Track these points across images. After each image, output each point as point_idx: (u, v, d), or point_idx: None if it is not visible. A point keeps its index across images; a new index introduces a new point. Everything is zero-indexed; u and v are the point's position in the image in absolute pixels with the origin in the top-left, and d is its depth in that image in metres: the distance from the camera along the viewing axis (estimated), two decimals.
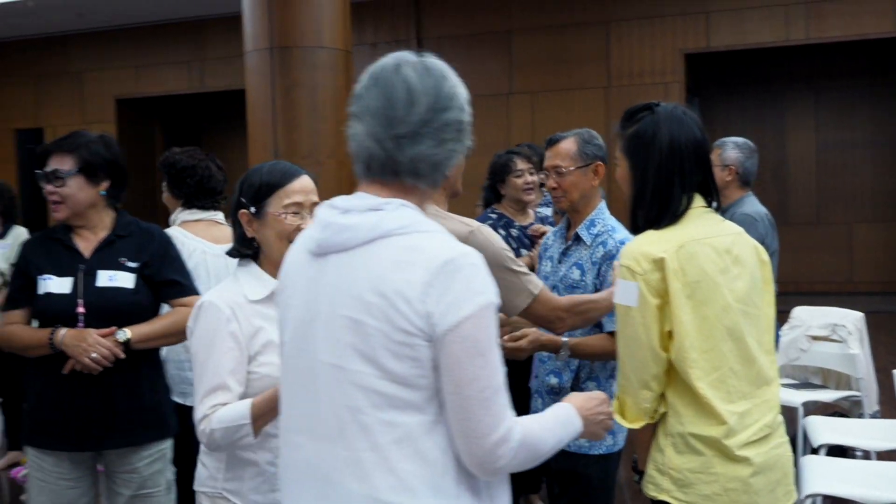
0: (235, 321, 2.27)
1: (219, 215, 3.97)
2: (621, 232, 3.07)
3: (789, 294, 13.67)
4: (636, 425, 2.24)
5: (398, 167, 1.65)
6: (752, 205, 4.41)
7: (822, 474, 3.58)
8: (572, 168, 3.08)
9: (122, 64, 15.19)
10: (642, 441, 2.29)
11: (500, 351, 1.62)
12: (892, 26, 11.62)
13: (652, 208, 2.25)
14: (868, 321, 11.12)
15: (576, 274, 3.09)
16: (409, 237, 1.60)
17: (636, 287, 2.16)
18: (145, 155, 15.95)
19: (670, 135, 2.23)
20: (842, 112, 13.78)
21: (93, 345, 2.74)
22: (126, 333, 2.81)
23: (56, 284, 2.87)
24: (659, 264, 2.16)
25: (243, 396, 2.24)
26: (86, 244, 2.94)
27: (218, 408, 2.20)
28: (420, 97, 1.64)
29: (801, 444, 4.59)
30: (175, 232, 3.81)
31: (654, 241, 2.21)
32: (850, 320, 5.08)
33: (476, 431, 1.56)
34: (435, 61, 1.70)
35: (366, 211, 1.62)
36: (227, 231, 3.77)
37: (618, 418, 2.21)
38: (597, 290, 3.00)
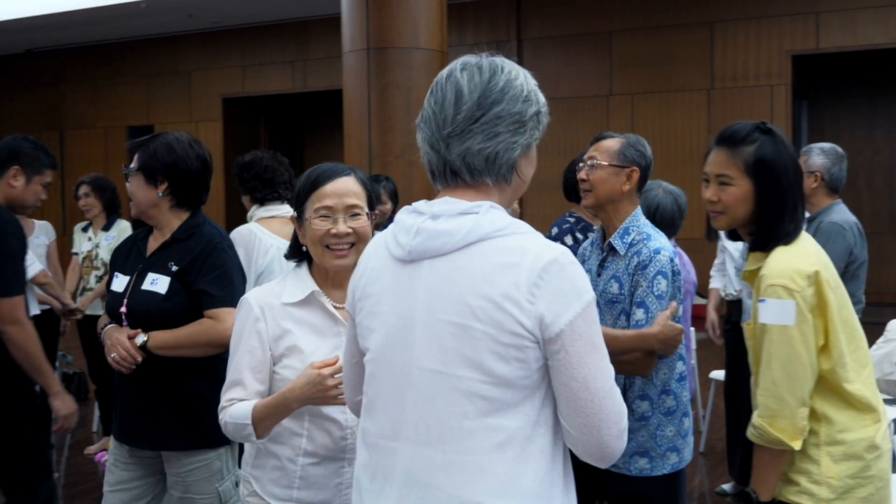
0: (263, 321, 2.29)
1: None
2: (657, 240, 2.90)
3: (891, 305, 13.18)
4: (798, 445, 2.25)
5: (452, 166, 1.66)
6: (841, 213, 4.26)
7: None
8: (605, 164, 2.94)
9: (229, 64, 15.58)
10: (781, 462, 2.29)
11: None
12: None
13: (789, 226, 2.29)
14: None
15: (614, 287, 2.91)
16: (508, 239, 1.60)
17: (794, 305, 2.18)
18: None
19: (791, 156, 2.30)
20: None
21: (114, 345, 2.80)
22: (143, 338, 2.80)
23: (119, 283, 2.94)
24: (813, 279, 2.21)
25: (267, 395, 2.27)
26: (153, 245, 2.98)
27: (234, 401, 2.25)
28: (467, 95, 1.65)
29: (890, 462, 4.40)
30: (252, 227, 3.91)
31: (798, 257, 2.25)
32: None
33: (607, 423, 1.58)
34: (494, 59, 1.71)
35: (457, 215, 1.62)
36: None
37: (778, 439, 2.24)
38: (632, 304, 2.86)
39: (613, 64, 12.96)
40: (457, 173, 1.66)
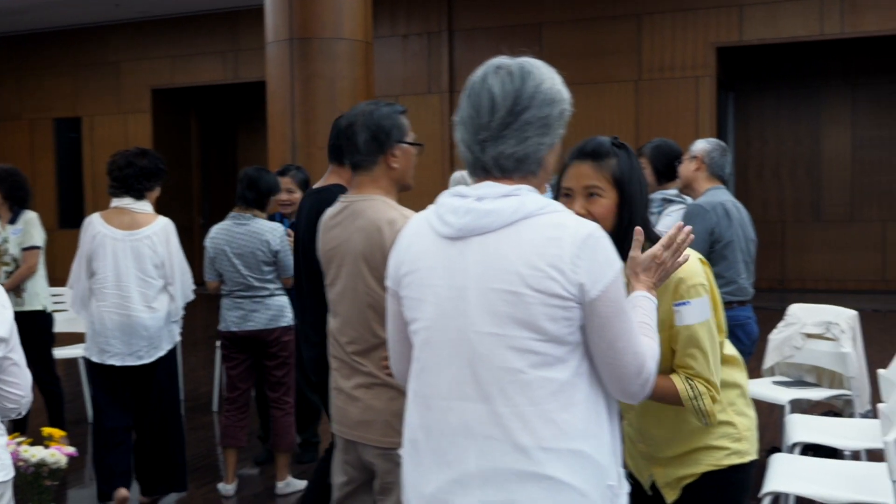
0: None
1: (129, 202, 4.57)
2: None
3: (821, 291, 13.50)
4: (715, 420, 2.35)
5: (485, 165, 1.89)
6: (712, 196, 4.36)
7: (785, 473, 3.54)
8: None
9: (158, 54, 15.40)
10: None
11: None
12: None
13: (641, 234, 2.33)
14: None
15: None
16: (548, 216, 1.82)
17: (708, 299, 2.29)
18: (182, 144, 16.17)
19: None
20: (878, 108, 13.53)
21: None
22: None
23: None
24: (707, 272, 2.34)
25: None
26: None
27: None
28: (500, 103, 1.86)
29: (785, 442, 4.54)
30: (92, 218, 4.59)
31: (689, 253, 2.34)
32: (844, 318, 5.00)
33: (629, 374, 1.84)
34: (525, 63, 1.91)
35: (500, 197, 1.83)
36: (137, 217, 4.55)
37: (709, 412, 2.31)
38: None
39: (544, 55, 12.71)
40: (488, 171, 1.89)
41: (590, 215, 2.23)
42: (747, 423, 2.40)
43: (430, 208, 1.95)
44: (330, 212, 2.98)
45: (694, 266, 2.30)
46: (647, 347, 1.90)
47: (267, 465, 5.49)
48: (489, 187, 1.86)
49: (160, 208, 4.76)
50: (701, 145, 4.49)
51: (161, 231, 4.58)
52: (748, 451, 2.38)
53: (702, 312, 2.25)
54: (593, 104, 12.50)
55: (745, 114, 14.23)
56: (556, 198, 3.62)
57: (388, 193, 2.89)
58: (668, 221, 4.94)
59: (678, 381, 2.22)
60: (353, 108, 2.93)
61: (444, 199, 1.92)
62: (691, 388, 2.22)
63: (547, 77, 1.90)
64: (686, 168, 4.49)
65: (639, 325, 1.97)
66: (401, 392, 2.64)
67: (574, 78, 11.75)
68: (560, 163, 2.26)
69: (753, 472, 2.42)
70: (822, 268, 13.91)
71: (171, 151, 15.78)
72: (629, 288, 2.08)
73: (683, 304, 2.23)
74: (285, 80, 8.52)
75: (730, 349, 2.40)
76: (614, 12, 12.65)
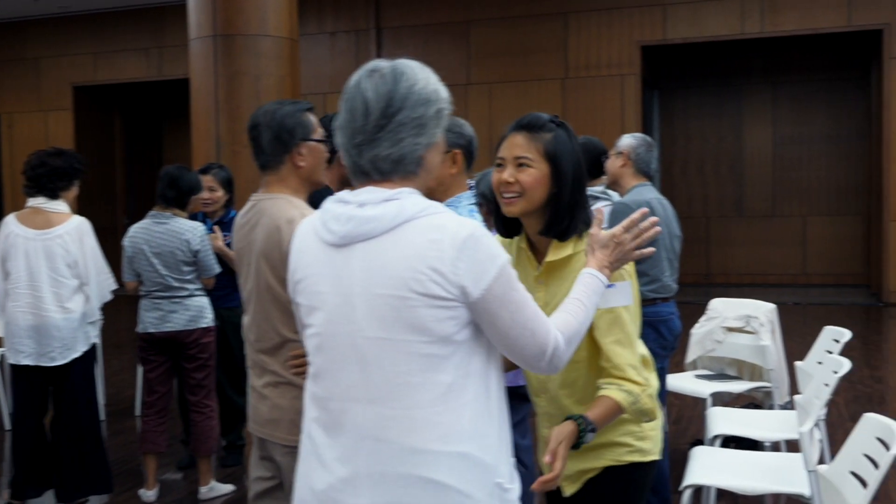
0: None
1: (43, 201, 4.52)
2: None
3: (744, 285, 13.78)
4: (656, 415, 2.35)
5: (363, 169, 1.90)
6: (639, 193, 4.37)
7: (705, 465, 3.58)
8: None
9: (80, 50, 15.07)
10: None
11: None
12: (846, 20, 11.69)
13: (585, 214, 2.32)
14: (820, 313, 11.22)
15: None
16: (429, 218, 1.83)
17: (631, 284, 2.28)
18: (105, 142, 15.84)
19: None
20: (798, 106, 13.86)
21: None
22: None
23: None
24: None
25: None
26: None
27: None
28: (373, 106, 1.86)
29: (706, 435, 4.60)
30: (7, 218, 4.52)
31: None
32: (763, 312, 5.09)
33: (532, 356, 1.90)
34: (398, 64, 1.91)
35: (381, 202, 1.84)
36: (50, 217, 4.47)
37: (649, 410, 2.29)
38: None
39: (471, 53, 13.10)
40: (367, 174, 1.90)
41: (517, 184, 2.25)
42: (652, 423, 2.37)
43: (317, 214, 1.97)
44: (241, 211, 2.96)
45: None
46: (551, 326, 1.93)
47: (190, 470, 5.39)
48: (370, 192, 1.87)
49: (83, 207, 4.70)
50: (627, 141, 4.49)
51: (74, 230, 4.50)
52: (651, 450, 2.37)
53: (625, 296, 2.25)
54: (521, 102, 12.57)
55: (670, 111, 14.44)
56: (478, 195, 3.64)
57: (296, 192, 2.87)
58: None
59: (615, 393, 2.19)
60: (257, 109, 2.90)
61: (329, 205, 1.93)
62: (628, 393, 2.20)
63: (421, 77, 1.90)
64: (612, 164, 4.49)
65: (570, 300, 2.05)
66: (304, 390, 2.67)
67: (501, 76, 11.93)
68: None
69: (653, 473, 2.40)
70: (745, 262, 14.20)
71: (95, 150, 15.48)
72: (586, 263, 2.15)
73: (608, 286, 2.20)
74: (209, 78, 8.36)
75: (642, 349, 2.36)
76: (541, 11, 12.73)
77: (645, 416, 2.25)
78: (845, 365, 3.40)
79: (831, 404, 6.65)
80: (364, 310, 1.85)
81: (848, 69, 13.57)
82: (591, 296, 2.08)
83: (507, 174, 2.27)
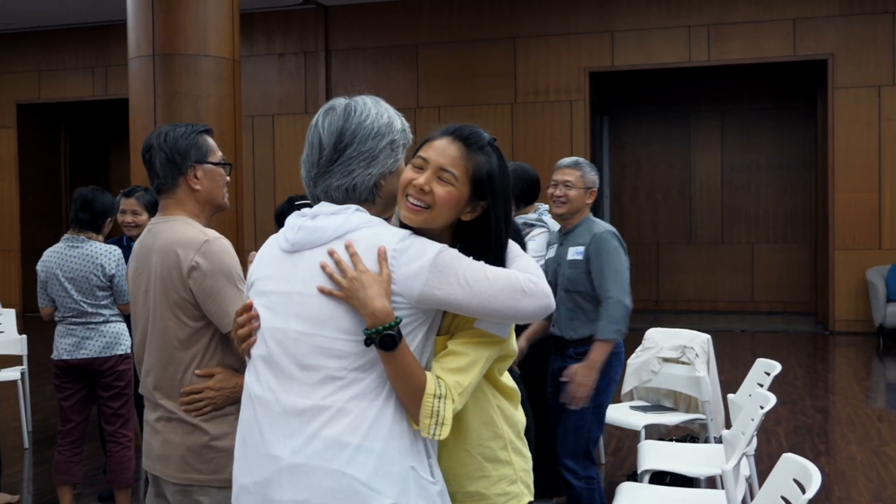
0: None
1: None
2: None
3: (693, 312, 13.78)
4: None
5: (318, 197, 2.08)
6: (597, 224, 4.32)
7: (629, 501, 3.48)
8: None
9: (24, 68, 14.78)
10: None
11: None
12: (791, 50, 11.78)
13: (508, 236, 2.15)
14: (768, 340, 11.22)
15: None
16: (370, 229, 1.98)
17: None
18: (51, 161, 15.55)
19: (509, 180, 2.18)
20: (746, 134, 13.94)
21: None
22: None
23: None
24: None
25: None
26: None
27: None
28: (326, 141, 2.04)
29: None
30: None
31: None
32: (698, 342, 5.02)
33: (511, 302, 1.97)
34: (353, 101, 2.07)
35: (330, 214, 2.01)
36: None
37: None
38: None
39: (420, 76, 13.02)
40: (320, 201, 2.07)
41: (431, 195, 2.01)
42: (522, 463, 2.20)
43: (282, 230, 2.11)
44: (139, 238, 2.83)
45: None
46: (508, 271, 1.99)
47: (111, 502, 5.19)
48: (323, 206, 2.04)
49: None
50: (592, 177, 4.38)
51: None
52: (522, 493, 2.20)
53: (504, 328, 2.06)
54: None
55: (620, 138, 14.46)
56: None
57: (194, 215, 2.77)
58: (533, 246, 4.87)
59: (429, 376, 1.98)
60: (151, 133, 2.82)
61: (290, 219, 2.08)
62: (439, 385, 1.97)
63: (373, 112, 2.05)
64: (581, 198, 4.34)
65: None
66: (196, 427, 2.61)
67: (450, 100, 11.86)
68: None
69: None
70: (694, 289, 14.21)
71: (39, 168, 15.17)
72: None
73: None
74: (148, 97, 8.24)
75: (509, 381, 2.19)
76: (490, 35, 12.69)
77: (437, 422, 1.96)
78: (771, 400, 3.31)
79: (771, 434, 6.61)
80: (300, 308, 1.98)
81: (794, 98, 13.69)
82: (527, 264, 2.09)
83: (424, 180, 2.02)
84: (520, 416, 2.20)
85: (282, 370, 1.99)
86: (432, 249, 1.95)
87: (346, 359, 1.93)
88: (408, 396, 1.94)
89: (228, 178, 2.85)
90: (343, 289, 1.94)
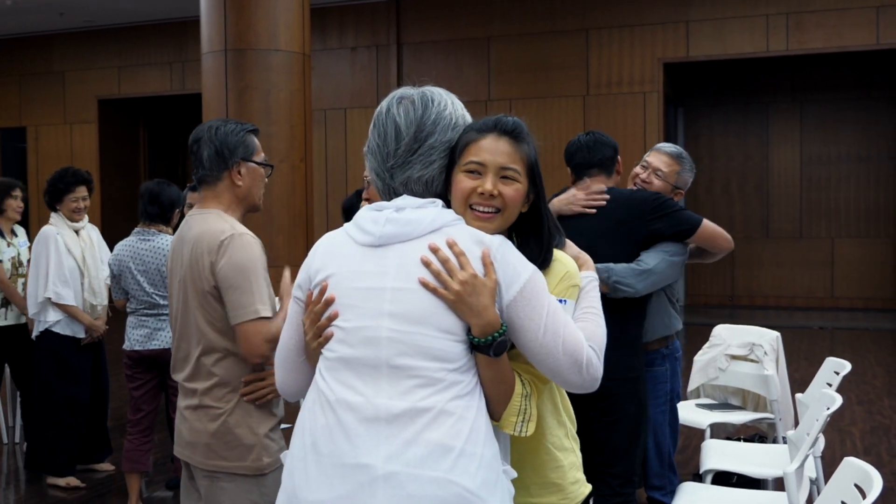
0: None
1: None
2: None
3: (770, 308, 13.50)
4: None
5: (395, 190, 1.99)
6: None
7: (690, 502, 3.41)
8: None
9: (104, 64, 15.14)
10: None
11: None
12: (874, 39, 11.43)
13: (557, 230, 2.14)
14: (847, 338, 10.92)
15: None
16: (459, 227, 1.91)
17: (574, 305, 2.11)
18: (130, 156, 15.91)
19: None
20: (826, 125, 13.58)
21: None
22: None
23: None
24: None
25: None
26: None
27: None
28: (404, 131, 1.96)
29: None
30: None
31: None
32: (767, 340, 4.90)
33: (567, 369, 1.91)
34: (426, 91, 2.01)
35: (418, 207, 1.92)
36: None
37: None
38: None
39: (492, 69, 12.98)
40: (399, 195, 1.98)
41: (500, 198, 1.98)
42: (578, 449, 2.23)
43: (346, 225, 2.01)
44: (178, 228, 2.93)
45: (575, 268, 2.13)
46: (583, 337, 1.93)
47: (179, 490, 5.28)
48: (406, 199, 1.95)
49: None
50: (686, 178, 4.24)
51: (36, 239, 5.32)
52: (584, 478, 2.22)
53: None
54: (541, 119, 12.41)
55: (695, 129, 14.22)
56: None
57: (229, 210, 2.82)
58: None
59: (518, 381, 1.98)
60: (201, 125, 2.88)
61: (363, 212, 1.99)
62: (525, 383, 1.99)
63: (449, 103, 2.00)
64: (655, 185, 4.15)
65: (587, 311, 2.05)
66: (220, 415, 2.66)
67: (522, 92, 11.80)
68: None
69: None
70: (771, 284, 13.91)
71: (119, 162, 15.53)
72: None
73: (561, 301, 2.01)
74: (220, 92, 8.38)
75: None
76: (562, 27, 12.59)
77: (524, 420, 1.98)
78: (837, 400, 3.21)
79: (846, 435, 6.43)
80: (393, 306, 1.87)
81: (877, 88, 13.29)
82: (598, 299, 2.09)
83: (490, 184, 1.96)
84: (569, 403, 2.21)
85: (370, 372, 1.87)
86: (526, 271, 1.90)
87: (445, 359, 1.85)
88: (502, 397, 1.94)
89: (266, 180, 2.90)
90: (450, 290, 1.84)
